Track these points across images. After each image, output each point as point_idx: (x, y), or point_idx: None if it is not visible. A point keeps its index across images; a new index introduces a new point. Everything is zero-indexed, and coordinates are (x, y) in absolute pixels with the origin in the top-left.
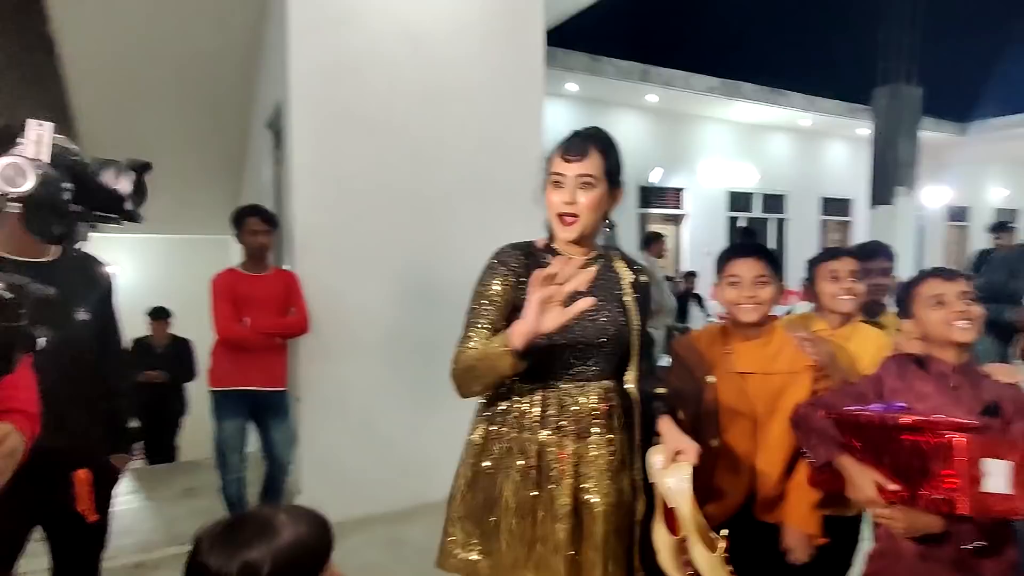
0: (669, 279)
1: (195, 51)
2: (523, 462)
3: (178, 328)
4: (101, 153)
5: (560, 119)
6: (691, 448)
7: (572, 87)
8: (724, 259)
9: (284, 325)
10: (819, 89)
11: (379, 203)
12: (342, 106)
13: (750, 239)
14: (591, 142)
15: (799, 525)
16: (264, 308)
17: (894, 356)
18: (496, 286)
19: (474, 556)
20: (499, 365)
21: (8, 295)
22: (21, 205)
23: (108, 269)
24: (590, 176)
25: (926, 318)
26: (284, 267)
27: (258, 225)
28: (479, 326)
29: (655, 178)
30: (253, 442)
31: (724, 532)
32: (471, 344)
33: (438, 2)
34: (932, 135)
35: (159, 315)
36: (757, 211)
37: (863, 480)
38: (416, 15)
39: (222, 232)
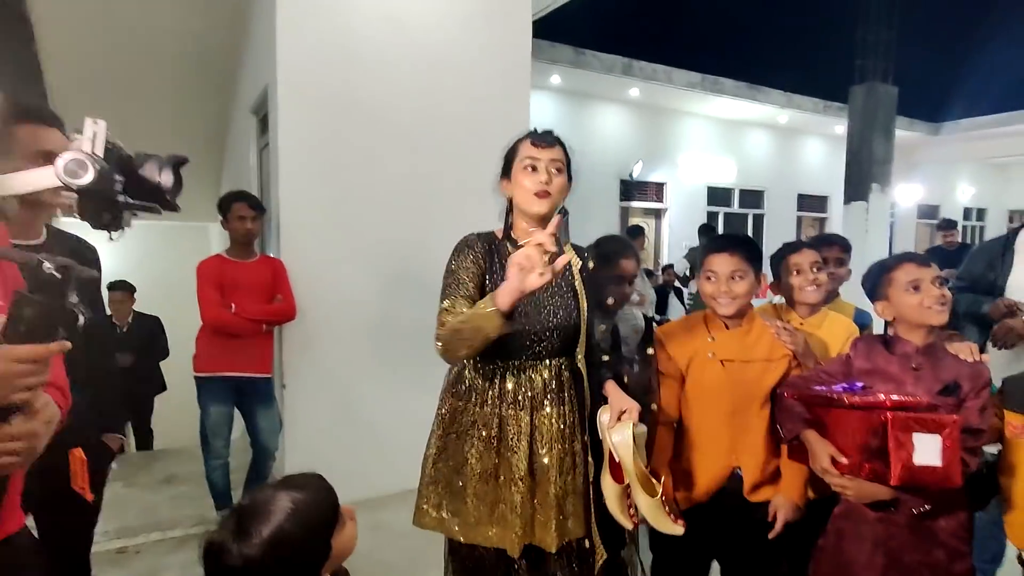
0: (649, 272)
1: (179, 33)
2: (485, 433)
3: (159, 315)
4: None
5: (545, 111)
6: (633, 407)
7: (556, 80)
8: (703, 253)
9: (270, 312)
10: (797, 86)
11: (366, 191)
12: (330, 93)
13: (707, 235)
14: (554, 137)
15: (790, 496)
16: (250, 294)
17: (862, 337)
18: (468, 263)
19: (444, 515)
20: (486, 326)
21: (57, 275)
22: (77, 195)
23: (94, 251)
24: (560, 161)
25: (902, 301)
26: (269, 254)
27: (245, 211)
28: (459, 295)
29: (636, 172)
30: (238, 428)
31: (663, 479)
32: (455, 309)
33: None
34: (906, 134)
35: (120, 288)
36: (736, 206)
37: (820, 452)
38: (405, 3)
39: (201, 219)
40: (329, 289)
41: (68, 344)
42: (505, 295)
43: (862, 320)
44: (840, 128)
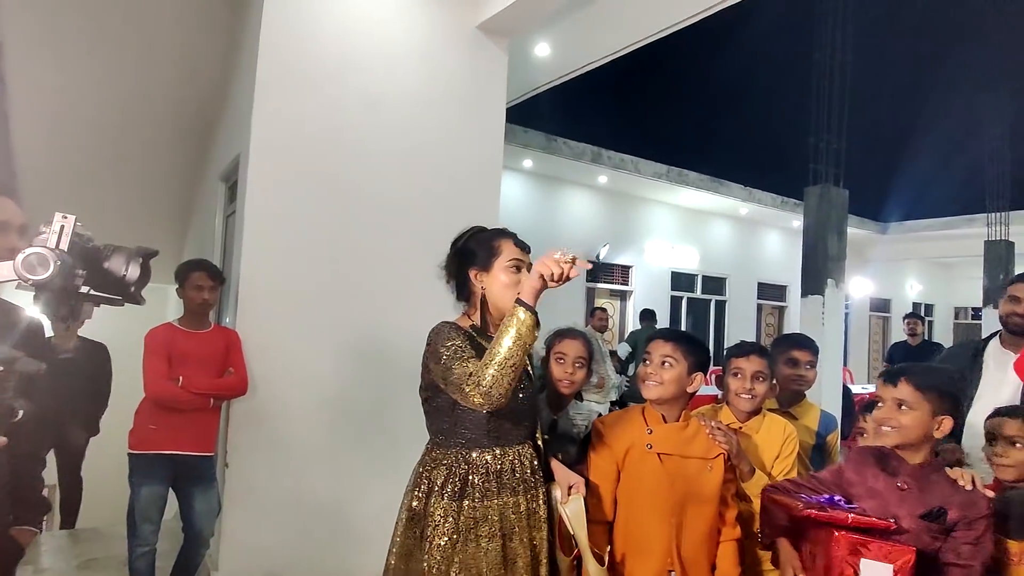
0: (614, 354)
1: (157, 96)
2: (491, 528)
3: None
4: (39, 195)
5: (517, 193)
6: (580, 481)
7: (528, 163)
8: (645, 343)
9: (220, 385)
10: (757, 182)
11: (330, 267)
12: (302, 167)
13: (650, 319)
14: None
15: None
16: (201, 367)
17: (858, 448)
18: (462, 340)
19: None
20: (525, 335)
21: None
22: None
23: (35, 319)
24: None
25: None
26: (225, 324)
27: (204, 280)
28: (469, 358)
29: (603, 254)
30: (170, 510)
31: (608, 548)
32: (474, 361)
33: (404, 74)
34: (857, 232)
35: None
36: (699, 292)
37: (785, 565)
38: (382, 85)
39: (161, 281)
40: (285, 364)
41: (4, 440)
42: (529, 293)
43: (827, 423)
44: (797, 222)
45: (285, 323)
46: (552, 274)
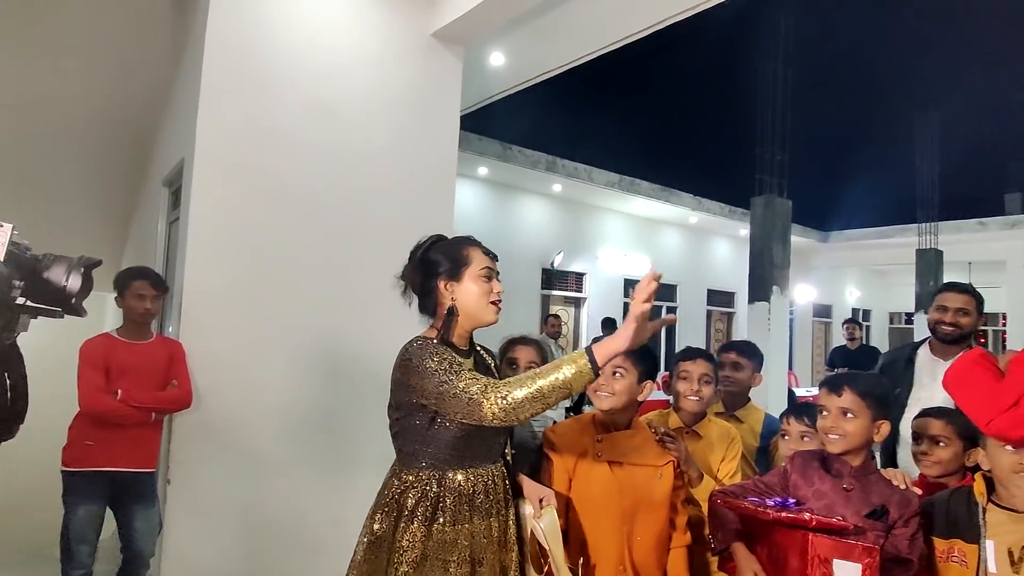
0: None
1: (95, 100)
2: (461, 554)
3: (39, 391)
4: None
5: (472, 200)
6: (550, 493)
7: (483, 171)
8: None
9: (162, 399)
10: (706, 192)
11: (280, 275)
12: (250, 172)
13: (611, 327)
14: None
15: None
16: (141, 379)
17: (801, 452)
18: (446, 354)
19: None
20: (576, 385)
21: None
22: None
23: None
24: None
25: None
26: (168, 335)
27: (146, 289)
28: (467, 370)
29: (557, 261)
30: (107, 529)
31: (580, 561)
32: (482, 381)
33: (357, 80)
34: (800, 240)
35: None
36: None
37: (745, 568)
38: (335, 91)
39: (99, 288)
40: (232, 375)
41: None
42: (608, 353)
43: (772, 426)
44: (744, 231)
45: (232, 333)
46: (642, 312)
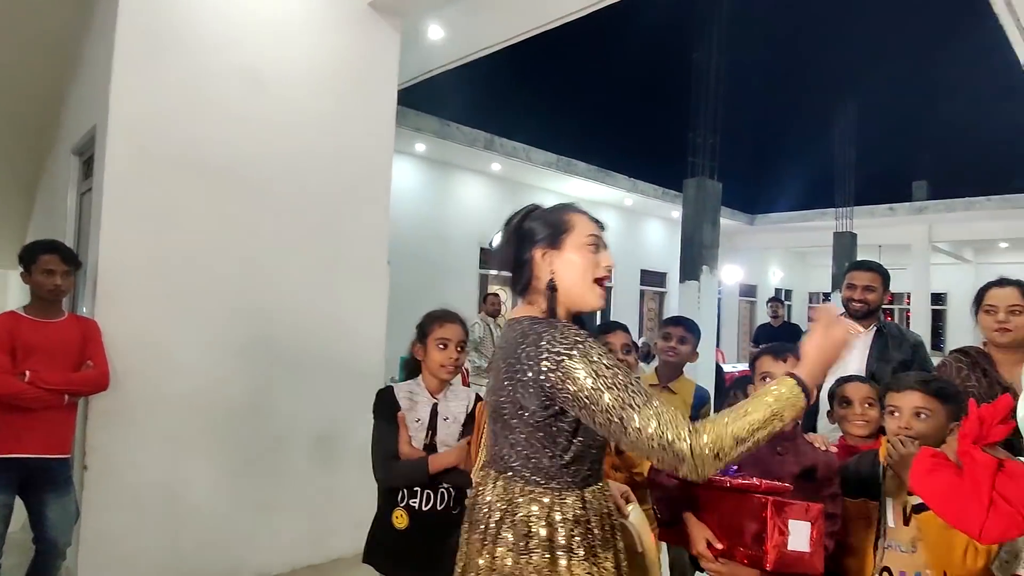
0: None
1: None
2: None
3: None
4: None
5: (409, 177)
6: (628, 488)
7: (421, 147)
8: None
9: (76, 380)
10: (640, 174)
11: (204, 249)
12: (170, 142)
13: None
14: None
15: None
16: (52, 360)
17: None
18: (613, 357)
19: None
20: (788, 418)
21: None
22: None
23: None
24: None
25: (757, 389)
26: (82, 313)
27: (55, 264)
28: (651, 395)
29: (496, 241)
30: (18, 520)
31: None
32: (673, 412)
33: (288, 47)
34: (728, 223)
35: None
36: None
37: (696, 536)
38: (265, 59)
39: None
40: (153, 356)
41: None
42: (820, 371)
43: (702, 397)
44: (676, 213)
45: (152, 311)
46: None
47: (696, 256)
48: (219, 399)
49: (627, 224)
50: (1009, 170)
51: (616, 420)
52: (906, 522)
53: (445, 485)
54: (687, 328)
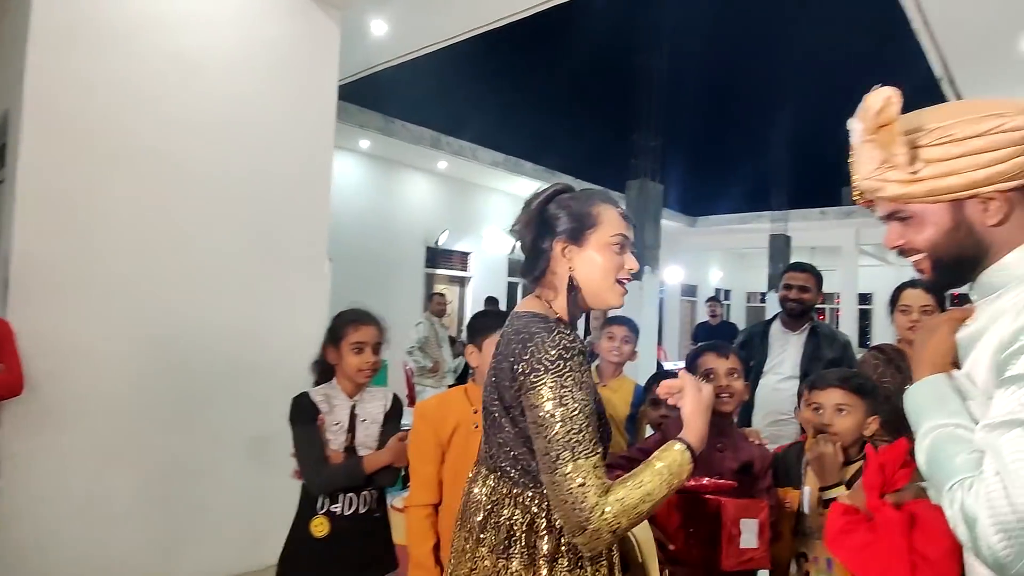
0: (453, 340)
1: None
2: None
3: None
4: None
5: (352, 173)
6: None
7: (365, 144)
8: None
9: None
10: (586, 174)
11: (128, 244)
12: (91, 131)
13: (494, 306)
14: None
15: None
16: None
17: (678, 418)
18: (589, 381)
19: None
20: (677, 484)
21: None
22: None
23: None
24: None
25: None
26: None
27: None
28: (598, 451)
29: (442, 240)
30: None
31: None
32: (603, 481)
33: (220, 34)
34: (670, 224)
35: None
36: None
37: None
38: (197, 47)
39: None
40: (74, 358)
41: None
42: (702, 431)
43: (639, 395)
44: None
45: (70, 310)
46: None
47: (638, 256)
48: (146, 403)
49: None
50: None
51: (552, 455)
52: (821, 509)
53: (369, 488)
54: (630, 328)
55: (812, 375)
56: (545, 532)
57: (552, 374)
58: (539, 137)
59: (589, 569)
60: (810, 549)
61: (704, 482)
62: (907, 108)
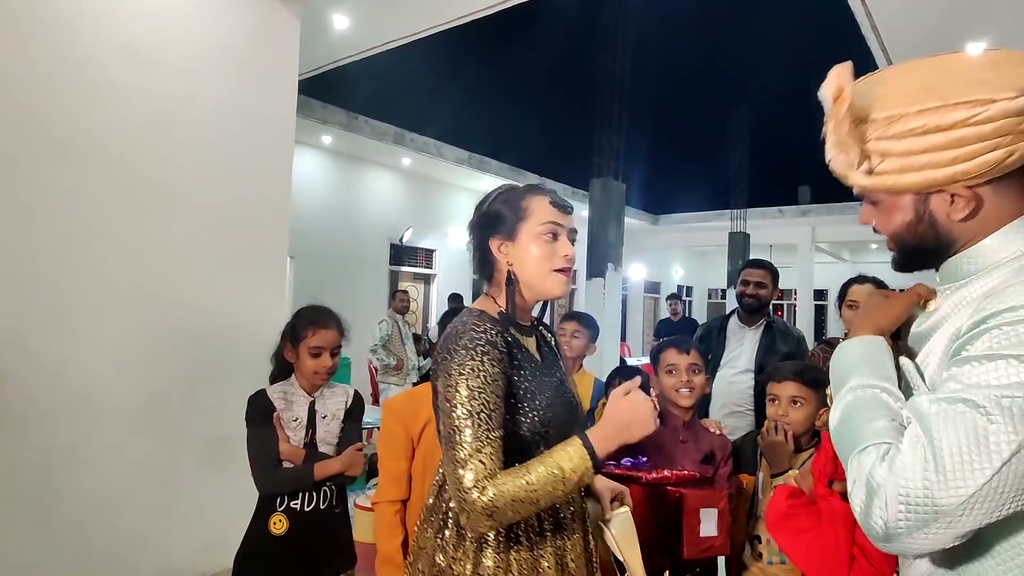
0: (418, 338)
1: None
2: None
3: None
4: None
5: (315, 170)
6: (625, 490)
7: (328, 140)
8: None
9: None
10: (550, 173)
11: (82, 242)
12: (41, 125)
13: (458, 303)
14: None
15: None
16: None
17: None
18: (496, 372)
19: None
20: (571, 491)
21: None
22: None
23: None
24: (575, 233)
25: (661, 381)
26: None
27: None
28: (492, 437)
29: (407, 237)
30: None
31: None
32: (492, 463)
33: (174, 26)
34: (633, 222)
35: None
36: None
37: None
38: (147, 38)
39: None
40: (25, 360)
41: None
42: (609, 443)
43: (601, 389)
44: (584, 212)
45: (24, 311)
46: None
47: (602, 254)
48: (103, 404)
49: None
50: None
51: (446, 436)
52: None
53: (328, 484)
54: (580, 323)
55: (768, 368)
56: None
57: (454, 363)
58: (504, 135)
59: (525, 547)
60: (763, 531)
61: (666, 474)
62: None
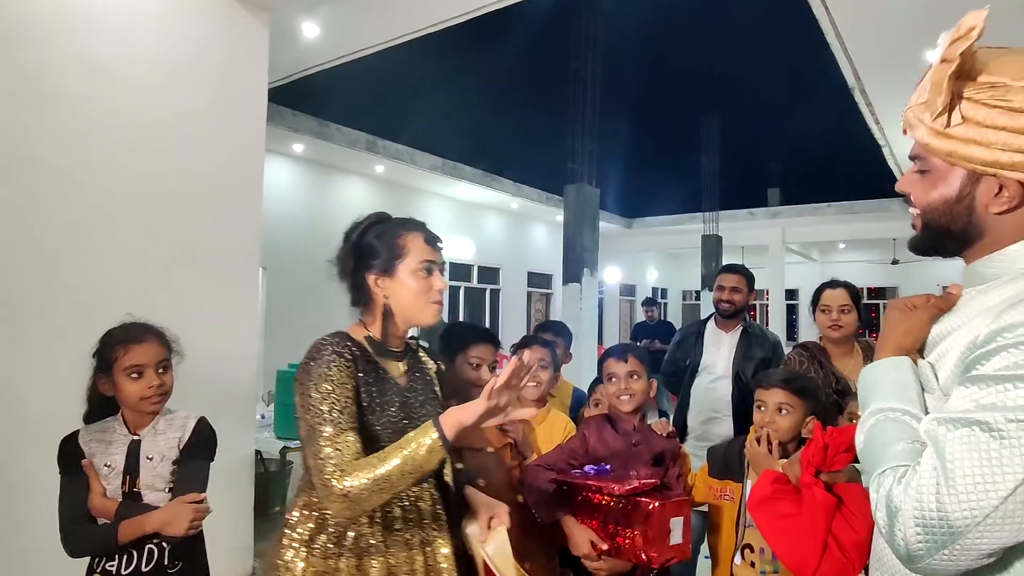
0: None
1: None
2: None
3: None
4: None
5: (286, 178)
6: (503, 509)
7: (299, 148)
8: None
9: None
10: (525, 178)
11: (39, 257)
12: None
13: None
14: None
15: None
16: None
17: (593, 417)
18: (343, 377)
19: None
20: (427, 465)
21: None
22: None
23: None
24: (445, 263)
25: (606, 389)
26: None
27: None
28: (345, 430)
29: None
30: None
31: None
32: (349, 452)
33: (139, 38)
34: (608, 226)
35: None
36: (475, 281)
37: (580, 538)
38: (110, 49)
39: None
40: None
41: None
42: (455, 425)
43: (579, 398)
44: (559, 217)
45: None
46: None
47: (577, 258)
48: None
49: (514, 227)
50: (847, 179)
51: (305, 436)
52: None
53: (155, 540)
54: (555, 332)
55: (749, 373)
56: (300, 511)
57: (303, 371)
58: (478, 141)
59: (348, 556)
60: (755, 540)
61: (635, 484)
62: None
